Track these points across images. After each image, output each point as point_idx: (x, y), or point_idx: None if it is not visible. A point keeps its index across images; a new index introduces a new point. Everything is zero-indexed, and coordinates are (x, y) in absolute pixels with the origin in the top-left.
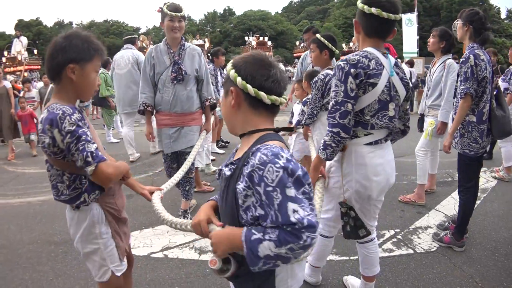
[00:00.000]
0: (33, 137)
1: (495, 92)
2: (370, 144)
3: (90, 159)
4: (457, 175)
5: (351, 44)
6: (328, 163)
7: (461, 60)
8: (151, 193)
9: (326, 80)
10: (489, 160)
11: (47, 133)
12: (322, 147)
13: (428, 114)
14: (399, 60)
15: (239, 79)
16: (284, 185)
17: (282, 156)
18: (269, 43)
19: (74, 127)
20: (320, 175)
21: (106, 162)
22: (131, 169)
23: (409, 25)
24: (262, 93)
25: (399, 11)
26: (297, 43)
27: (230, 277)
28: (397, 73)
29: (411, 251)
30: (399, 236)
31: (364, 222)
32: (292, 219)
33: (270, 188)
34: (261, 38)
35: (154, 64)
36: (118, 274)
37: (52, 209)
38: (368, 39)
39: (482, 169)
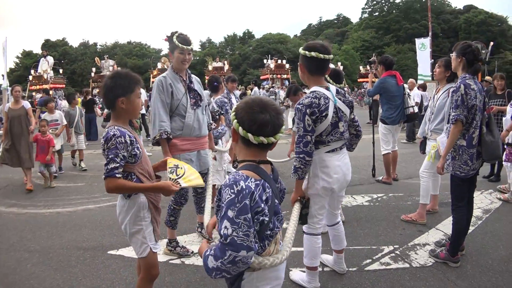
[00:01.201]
0: (53, 169)
1: (486, 118)
2: (328, 152)
3: (105, 171)
4: None
5: (368, 66)
6: None
7: (452, 89)
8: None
9: None
10: (496, 182)
11: (103, 145)
12: (293, 171)
13: (431, 137)
14: (405, 86)
15: (234, 121)
16: (229, 206)
17: (239, 185)
18: (287, 65)
19: (112, 147)
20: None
21: (110, 179)
22: None
23: (423, 49)
24: (250, 135)
25: (330, 52)
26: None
27: None
28: (339, 99)
29: (407, 265)
30: (397, 252)
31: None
32: (221, 232)
33: (222, 204)
34: (279, 61)
35: (172, 92)
36: (154, 250)
37: (79, 219)
38: (312, 77)
39: (488, 191)
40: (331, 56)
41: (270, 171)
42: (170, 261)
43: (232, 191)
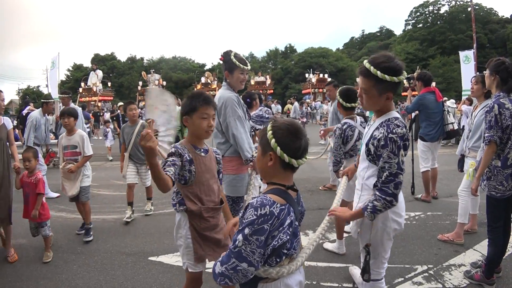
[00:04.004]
0: (46, 231)
1: None
2: None
3: None
4: None
5: (406, 82)
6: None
7: (486, 109)
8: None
9: (344, 128)
10: None
11: None
12: (371, 210)
13: (469, 155)
14: (446, 102)
15: (278, 149)
16: (248, 225)
17: (263, 209)
18: (329, 80)
19: (169, 154)
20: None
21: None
22: None
23: (466, 62)
24: (293, 160)
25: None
26: (358, 79)
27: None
28: None
29: (440, 285)
30: (431, 272)
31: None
32: (234, 237)
33: (244, 221)
34: (321, 75)
35: (243, 110)
36: (190, 270)
37: (123, 226)
38: (389, 101)
39: None
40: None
41: (294, 195)
42: (206, 270)
43: (255, 213)
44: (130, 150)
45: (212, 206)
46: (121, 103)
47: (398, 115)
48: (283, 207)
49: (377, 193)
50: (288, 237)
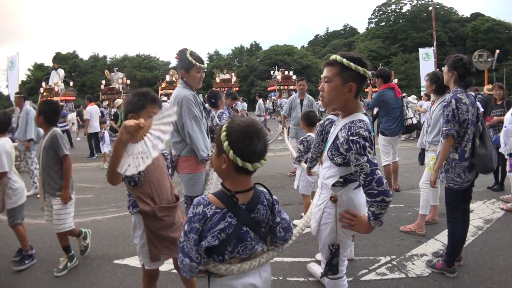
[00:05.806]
0: None
1: (480, 131)
2: (355, 188)
3: None
4: None
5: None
6: (321, 214)
7: (444, 104)
8: None
9: (325, 124)
10: (499, 192)
11: None
12: (373, 218)
13: (429, 149)
14: (408, 98)
15: (231, 152)
16: (186, 222)
17: (198, 207)
18: (294, 77)
19: None
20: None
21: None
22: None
23: (427, 59)
24: (248, 164)
25: None
26: (322, 75)
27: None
28: None
29: (403, 275)
30: (394, 262)
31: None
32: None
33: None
34: (286, 72)
35: (200, 110)
36: (146, 267)
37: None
38: (356, 100)
39: (490, 200)
40: None
41: (246, 200)
42: (172, 271)
43: (192, 210)
44: (42, 172)
45: (165, 205)
46: (119, 100)
47: (364, 118)
48: (218, 210)
49: (368, 198)
50: (217, 241)
